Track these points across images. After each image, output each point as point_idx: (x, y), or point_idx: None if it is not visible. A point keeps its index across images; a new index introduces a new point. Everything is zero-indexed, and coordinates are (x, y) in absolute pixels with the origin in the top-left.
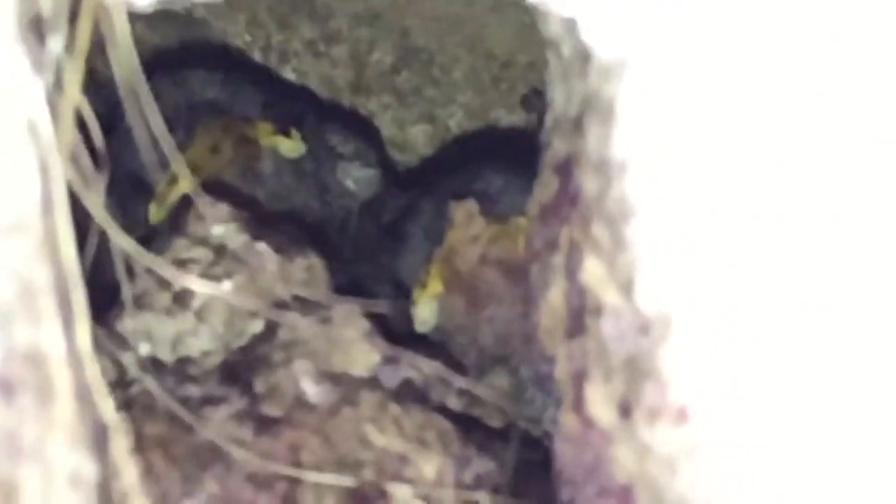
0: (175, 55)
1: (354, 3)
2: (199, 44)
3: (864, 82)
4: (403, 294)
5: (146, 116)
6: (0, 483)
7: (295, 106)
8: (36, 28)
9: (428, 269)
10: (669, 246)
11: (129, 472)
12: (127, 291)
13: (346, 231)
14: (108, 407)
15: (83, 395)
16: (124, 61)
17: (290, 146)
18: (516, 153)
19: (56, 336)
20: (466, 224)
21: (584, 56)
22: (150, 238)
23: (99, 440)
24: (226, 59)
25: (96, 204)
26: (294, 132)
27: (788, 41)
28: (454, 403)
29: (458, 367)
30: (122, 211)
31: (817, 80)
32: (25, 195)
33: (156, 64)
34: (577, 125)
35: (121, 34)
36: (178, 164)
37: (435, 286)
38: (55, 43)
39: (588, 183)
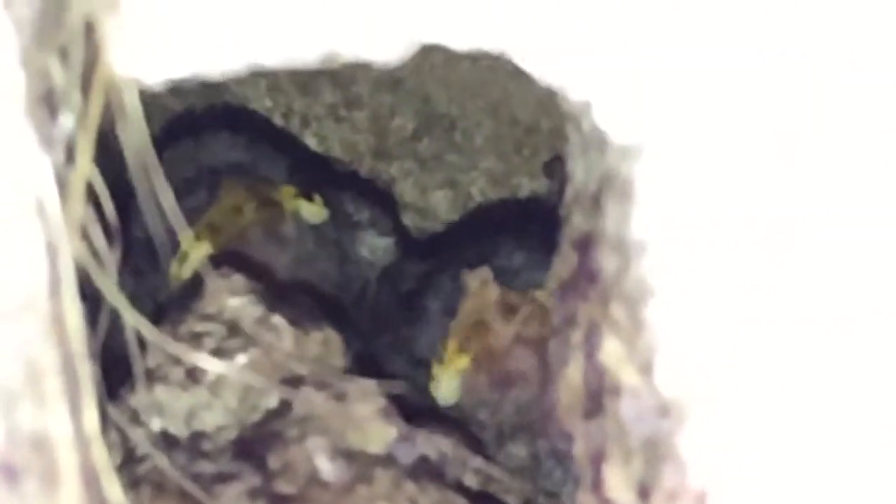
0: (198, 118)
1: (375, 68)
2: (223, 107)
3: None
4: (419, 367)
5: (156, 193)
6: None
7: (316, 172)
8: (46, 104)
9: (446, 344)
10: (688, 327)
11: None
12: (139, 368)
13: (363, 301)
14: (115, 491)
15: (89, 479)
16: (135, 136)
17: (314, 211)
18: (536, 224)
19: (62, 419)
20: (481, 293)
21: (601, 134)
22: (165, 309)
23: None
24: (249, 124)
25: (107, 281)
26: (317, 197)
27: (806, 117)
28: (471, 480)
29: (476, 442)
30: (137, 280)
31: (837, 153)
32: (33, 276)
33: (178, 127)
34: (595, 202)
35: (131, 109)
36: (200, 229)
37: (459, 362)
38: (66, 119)
39: (607, 262)
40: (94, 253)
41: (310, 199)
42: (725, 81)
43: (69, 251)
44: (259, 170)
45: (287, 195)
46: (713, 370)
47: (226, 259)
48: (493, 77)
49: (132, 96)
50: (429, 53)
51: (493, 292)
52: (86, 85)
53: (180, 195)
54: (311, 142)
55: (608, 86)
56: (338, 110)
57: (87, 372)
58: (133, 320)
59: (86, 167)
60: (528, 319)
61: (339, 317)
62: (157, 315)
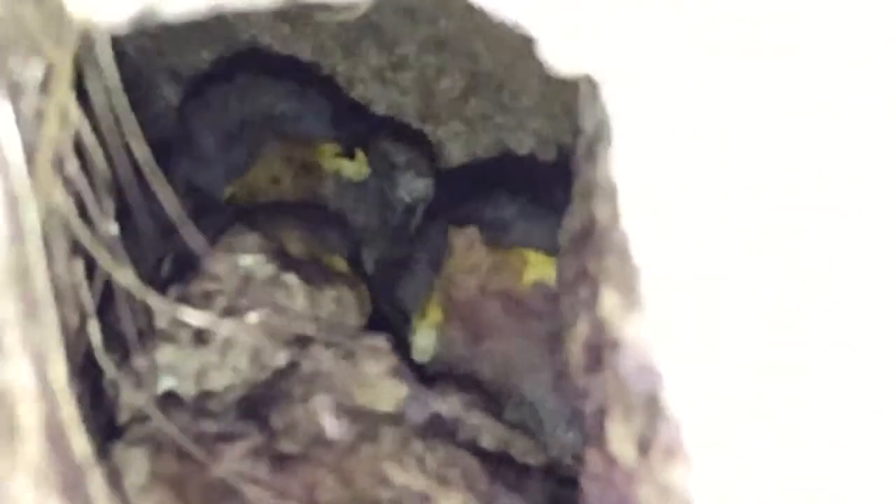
0: (242, 68)
1: (422, 29)
2: (265, 57)
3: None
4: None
5: (130, 146)
6: None
7: (357, 121)
8: (14, 50)
9: (428, 297)
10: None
11: None
12: (130, 328)
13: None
14: (82, 446)
15: (55, 435)
16: (105, 85)
17: (355, 169)
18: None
19: (23, 371)
20: (466, 252)
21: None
22: (180, 269)
23: (74, 481)
24: (293, 73)
25: (89, 237)
26: (359, 154)
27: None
28: (487, 442)
29: (492, 402)
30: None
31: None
32: None
33: (218, 78)
34: (591, 151)
35: (103, 57)
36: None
37: (434, 315)
38: (37, 65)
39: (600, 212)
40: (82, 208)
41: (351, 156)
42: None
43: (34, 198)
44: (302, 120)
45: (328, 155)
46: (702, 323)
47: (239, 216)
48: None
49: (104, 43)
50: (473, 14)
51: (480, 251)
52: (57, 30)
53: (221, 149)
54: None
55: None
56: (384, 72)
57: (53, 323)
58: (123, 279)
59: (60, 106)
60: (491, 271)
61: (357, 271)
62: (171, 274)
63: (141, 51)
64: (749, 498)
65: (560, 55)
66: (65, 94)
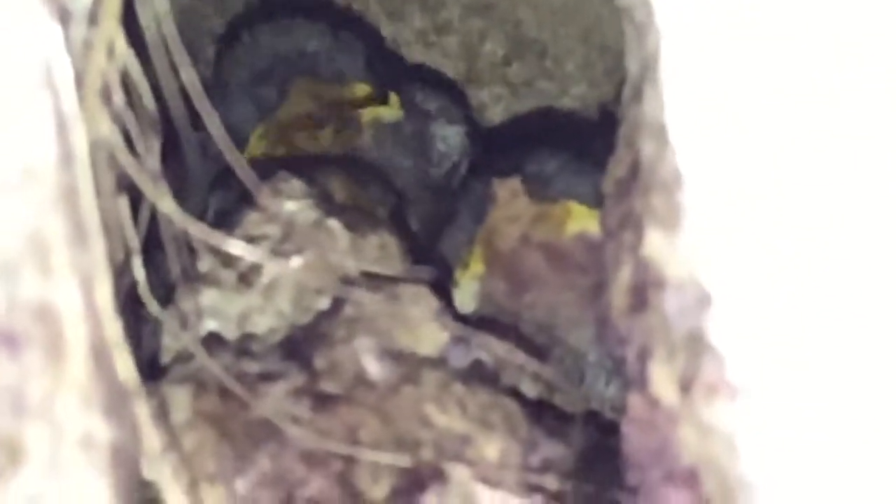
0: (277, 6)
1: None
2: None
3: None
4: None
5: (176, 67)
6: (3, 441)
7: (390, 66)
8: None
9: (471, 250)
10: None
11: (151, 438)
12: (176, 267)
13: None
14: (127, 368)
15: (100, 356)
16: (155, 12)
17: (389, 113)
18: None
19: (70, 292)
20: (509, 203)
21: (650, 20)
22: (223, 213)
23: (118, 403)
24: (327, 13)
25: (136, 167)
26: (392, 98)
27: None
28: (528, 388)
29: (536, 349)
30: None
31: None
32: (38, 146)
33: (256, 15)
34: (638, 91)
35: None
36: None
37: (476, 267)
38: None
39: (646, 150)
40: (129, 141)
41: (384, 101)
42: None
43: (82, 123)
44: (335, 60)
45: (362, 99)
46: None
47: (284, 163)
48: (584, 2)
49: None
50: None
51: (523, 202)
52: None
53: (251, 86)
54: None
55: None
56: (427, 35)
57: (100, 247)
58: (166, 208)
59: (107, 37)
60: (534, 222)
61: (400, 221)
62: (216, 217)
63: (183, 12)
64: (793, 433)
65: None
66: (112, 25)
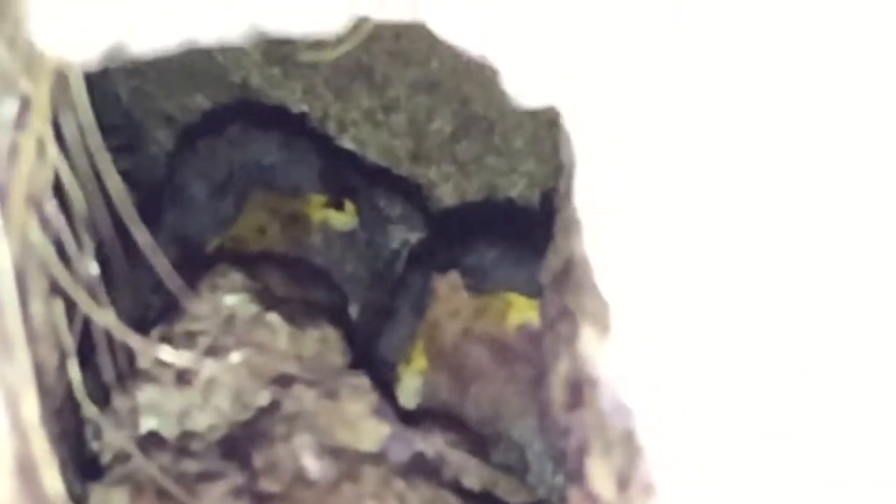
0: (231, 116)
1: (412, 71)
2: (257, 106)
3: None
4: (391, 369)
5: (105, 181)
6: None
7: (349, 172)
8: None
9: (413, 344)
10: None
11: None
12: (109, 368)
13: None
14: (54, 484)
15: (27, 472)
16: (79, 122)
17: (343, 220)
18: (508, 225)
19: None
20: (449, 297)
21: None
22: (167, 309)
23: None
24: (282, 124)
25: (66, 277)
26: (348, 204)
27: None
28: (471, 481)
29: (477, 442)
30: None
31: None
32: None
33: (209, 127)
34: (569, 187)
35: (77, 94)
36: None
37: (419, 362)
38: (10, 105)
39: (577, 247)
40: (61, 248)
41: (339, 207)
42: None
43: (6, 233)
44: (290, 173)
45: (315, 206)
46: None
47: (223, 257)
48: None
49: (77, 81)
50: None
51: (463, 296)
52: (30, 67)
53: (210, 199)
54: (348, 146)
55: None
56: (375, 114)
57: (26, 361)
58: (101, 319)
59: (35, 141)
60: (475, 315)
61: (341, 315)
62: (159, 312)
63: (133, 93)
64: None
65: (525, 86)
66: (41, 129)
